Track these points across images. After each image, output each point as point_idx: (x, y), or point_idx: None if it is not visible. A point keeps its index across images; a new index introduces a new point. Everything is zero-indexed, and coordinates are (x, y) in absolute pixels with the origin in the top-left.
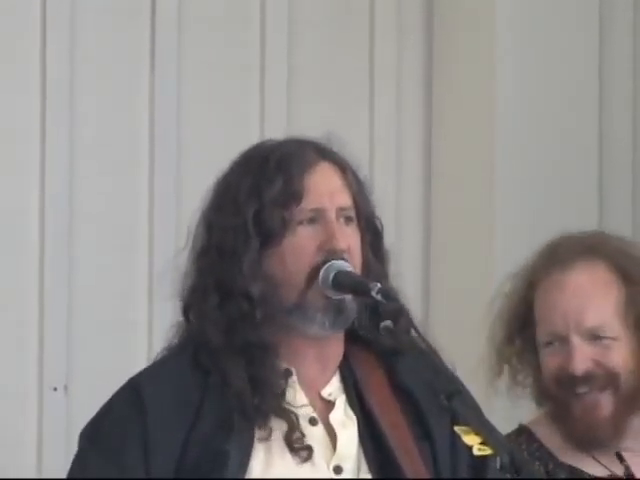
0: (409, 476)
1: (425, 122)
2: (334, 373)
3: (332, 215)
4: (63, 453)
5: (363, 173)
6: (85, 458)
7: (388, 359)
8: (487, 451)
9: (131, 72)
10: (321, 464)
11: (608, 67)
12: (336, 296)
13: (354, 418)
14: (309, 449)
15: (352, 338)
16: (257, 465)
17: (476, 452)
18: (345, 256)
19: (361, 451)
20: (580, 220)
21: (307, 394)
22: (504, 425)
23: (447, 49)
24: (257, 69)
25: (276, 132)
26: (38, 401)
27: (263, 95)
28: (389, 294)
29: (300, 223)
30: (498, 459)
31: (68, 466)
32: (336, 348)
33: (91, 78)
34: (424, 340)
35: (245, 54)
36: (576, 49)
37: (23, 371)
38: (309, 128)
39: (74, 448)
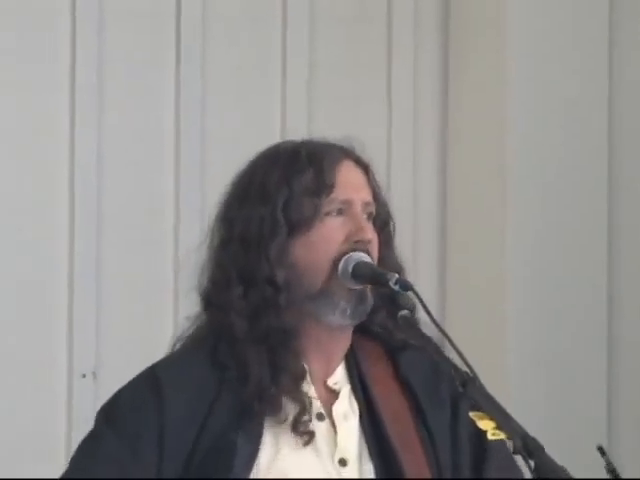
0: (405, 465)
1: (441, 121)
2: (339, 363)
3: (359, 208)
4: None
5: (380, 178)
6: (100, 436)
7: (394, 353)
8: (501, 435)
9: (157, 72)
10: (325, 455)
11: (618, 69)
12: (355, 286)
13: (357, 409)
14: (311, 434)
15: (360, 331)
16: (266, 450)
17: (490, 436)
18: (370, 247)
19: (363, 441)
20: (589, 217)
21: (316, 388)
22: None
23: (463, 48)
24: (279, 68)
25: (298, 128)
26: (67, 388)
27: (284, 93)
28: (407, 284)
29: (328, 214)
30: (511, 443)
31: None
32: (346, 340)
33: (118, 78)
34: (442, 331)
35: (266, 53)
36: (587, 52)
37: (52, 358)
38: (329, 124)
39: None
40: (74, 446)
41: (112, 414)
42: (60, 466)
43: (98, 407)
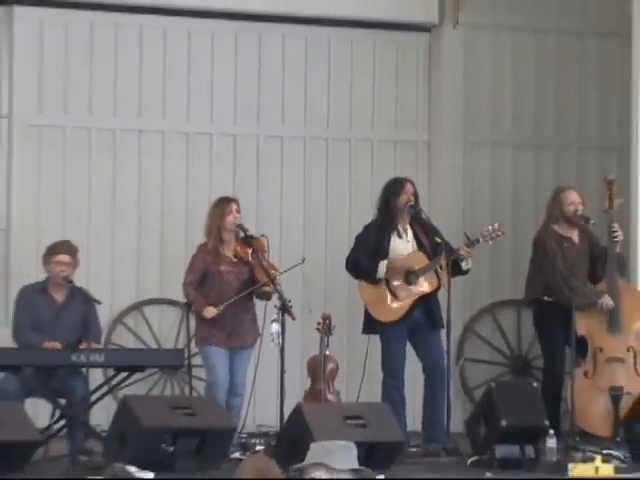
0: (426, 244)
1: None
2: (407, 223)
3: (410, 194)
4: None
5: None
6: (363, 234)
7: (423, 222)
8: (441, 242)
9: None
10: (404, 241)
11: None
12: (411, 209)
13: (411, 232)
14: (402, 235)
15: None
16: (391, 241)
17: (438, 241)
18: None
19: (414, 240)
20: None
21: (403, 229)
22: None
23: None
24: None
25: None
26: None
27: None
28: (422, 210)
29: (402, 194)
30: (446, 246)
31: None
32: (408, 219)
33: None
34: (430, 222)
35: None
36: None
37: None
38: None
39: None
40: None
41: (362, 234)
42: None
43: None
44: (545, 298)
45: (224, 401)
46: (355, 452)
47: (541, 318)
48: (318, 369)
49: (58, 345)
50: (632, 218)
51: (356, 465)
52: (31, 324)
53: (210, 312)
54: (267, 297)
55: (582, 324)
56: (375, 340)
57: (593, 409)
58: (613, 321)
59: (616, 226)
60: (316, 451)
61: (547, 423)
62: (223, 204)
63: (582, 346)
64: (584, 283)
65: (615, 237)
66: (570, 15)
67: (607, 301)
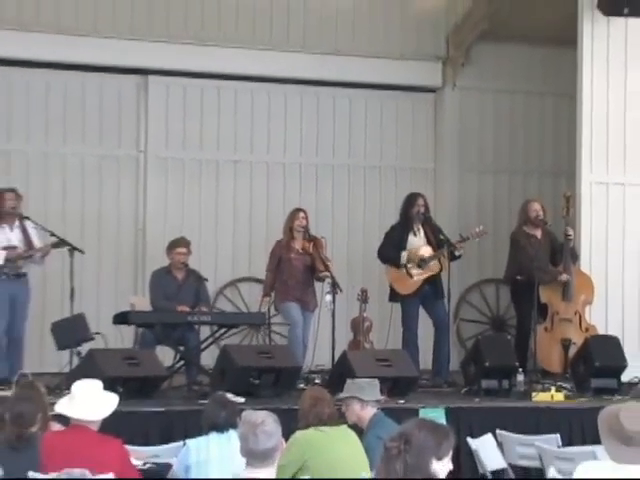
0: (432, 239)
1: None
2: (420, 225)
3: (422, 206)
4: None
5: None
6: (389, 233)
7: (431, 224)
8: (444, 239)
9: None
10: (418, 237)
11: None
12: (420, 218)
13: (422, 232)
14: (417, 233)
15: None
16: (408, 239)
17: (441, 238)
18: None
19: (424, 237)
20: None
21: (417, 229)
22: None
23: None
24: None
25: None
26: None
27: None
28: (430, 217)
29: (416, 206)
30: (447, 242)
31: None
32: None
33: None
34: (436, 225)
35: None
36: None
37: None
38: None
39: None
40: None
41: (388, 232)
42: None
43: None
44: (518, 278)
45: (302, 337)
46: (378, 387)
47: (516, 292)
48: (358, 326)
49: (186, 308)
50: (577, 223)
51: (379, 396)
52: (162, 296)
53: (263, 302)
54: (323, 280)
55: (544, 295)
56: (397, 306)
57: (550, 354)
58: (566, 293)
59: (570, 229)
60: (350, 386)
61: (517, 364)
62: (294, 212)
63: (544, 310)
64: (547, 265)
65: (569, 237)
66: (534, 80)
67: (564, 277)
